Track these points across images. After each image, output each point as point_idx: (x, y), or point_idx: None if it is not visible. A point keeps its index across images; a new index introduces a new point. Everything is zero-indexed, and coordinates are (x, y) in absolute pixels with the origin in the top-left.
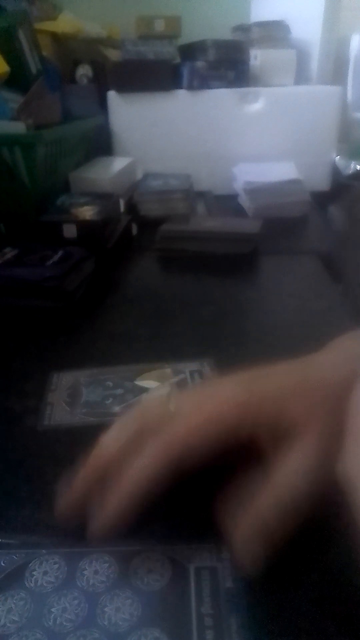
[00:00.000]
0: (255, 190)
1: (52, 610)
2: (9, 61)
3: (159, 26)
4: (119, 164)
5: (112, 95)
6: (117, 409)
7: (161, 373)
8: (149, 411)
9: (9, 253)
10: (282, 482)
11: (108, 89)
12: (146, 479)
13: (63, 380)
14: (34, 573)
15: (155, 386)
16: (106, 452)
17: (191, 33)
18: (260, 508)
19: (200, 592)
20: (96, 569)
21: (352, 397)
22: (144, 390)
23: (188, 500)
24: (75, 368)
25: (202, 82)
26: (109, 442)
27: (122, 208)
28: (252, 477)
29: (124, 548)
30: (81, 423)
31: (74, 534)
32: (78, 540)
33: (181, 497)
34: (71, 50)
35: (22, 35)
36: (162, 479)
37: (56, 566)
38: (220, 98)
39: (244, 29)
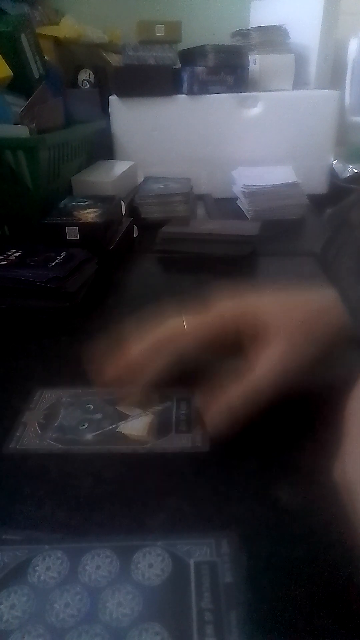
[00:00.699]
0: (254, 193)
1: (55, 605)
2: (11, 65)
3: (160, 31)
4: (120, 167)
5: (113, 99)
6: (89, 436)
7: (146, 399)
8: (165, 330)
9: (13, 254)
10: (251, 375)
11: (109, 94)
12: (161, 370)
13: (45, 398)
14: (37, 569)
15: (137, 413)
16: (132, 356)
17: (191, 38)
18: (229, 394)
19: (200, 587)
20: (98, 564)
21: (350, 398)
22: (123, 416)
23: (189, 497)
24: (74, 370)
25: (202, 87)
26: (135, 350)
27: (123, 211)
28: (229, 376)
29: (125, 543)
30: (47, 450)
31: (76, 530)
32: (80, 536)
33: (181, 493)
34: (73, 55)
35: (24, 40)
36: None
37: (59, 562)
38: (219, 103)
39: (243, 34)
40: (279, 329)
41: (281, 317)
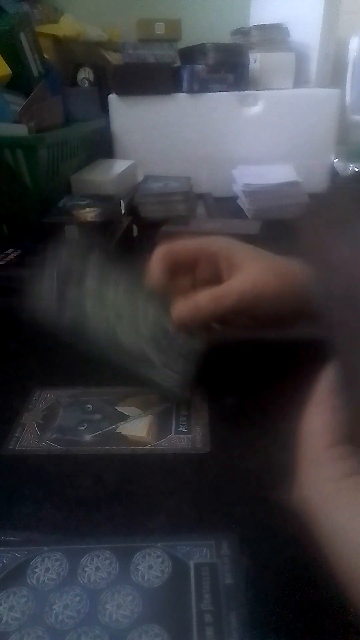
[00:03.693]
0: (254, 192)
1: (54, 607)
2: (10, 64)
3: (160, 29)
4: (119, 166)
5: (113, 98)
6: (88, 437)
7: (145, 399)
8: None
9: (12, 254)
10: (220, 288)
11: (109, 92)
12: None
13: (43, 399)
14: (36, 570)
15: (137, 413)
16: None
17: (191, 36)
18: (198, 295)
19: (200, 589)
20: (97, 566)
21: (304, 419)
22: (123, 417)
23: (188, 498)
24: (73, 370)
25: (202, 86)
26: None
27: (123, 210)
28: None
29: (125, 545)
30: (46, 451)
31: (75, 531)
32: (79, 537)
33: (181, 494)
34: (72, 53)
35: (23, 38)
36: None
37: (58, 563)
38: (220, 101)
39: (243, 32)
40: (248, 258)
41: (255, 257)
